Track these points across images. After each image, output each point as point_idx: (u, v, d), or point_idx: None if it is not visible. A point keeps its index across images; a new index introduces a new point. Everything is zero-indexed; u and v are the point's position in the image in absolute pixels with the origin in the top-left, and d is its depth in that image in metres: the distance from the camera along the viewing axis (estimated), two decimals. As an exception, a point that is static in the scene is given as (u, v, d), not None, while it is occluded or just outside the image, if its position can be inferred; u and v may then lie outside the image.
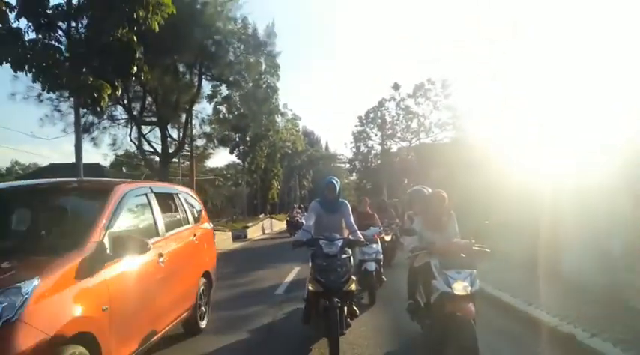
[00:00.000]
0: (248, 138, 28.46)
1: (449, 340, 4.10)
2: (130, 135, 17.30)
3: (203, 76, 16.23)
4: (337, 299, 4.19)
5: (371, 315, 5.93)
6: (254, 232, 22.84)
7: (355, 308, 4.90)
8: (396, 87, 29.31)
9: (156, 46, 12.83)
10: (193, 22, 12.96)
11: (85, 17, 10.50)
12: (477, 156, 14.18)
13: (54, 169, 41.02)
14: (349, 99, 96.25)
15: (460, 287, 4.02)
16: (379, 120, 29.82)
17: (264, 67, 20.61)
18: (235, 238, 19.34)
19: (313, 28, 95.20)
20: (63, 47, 10.96)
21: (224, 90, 19.59)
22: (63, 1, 10.76)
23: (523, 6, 18.13)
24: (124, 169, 49.91)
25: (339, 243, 4.51)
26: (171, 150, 16.95)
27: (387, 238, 9.23)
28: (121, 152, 23.91)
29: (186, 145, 19.08)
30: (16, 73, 11.34)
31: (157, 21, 10.62)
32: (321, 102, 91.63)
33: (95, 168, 41.25)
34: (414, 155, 27.95)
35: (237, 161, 32.63)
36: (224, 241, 16.15)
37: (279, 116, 36.54)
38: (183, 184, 15.47)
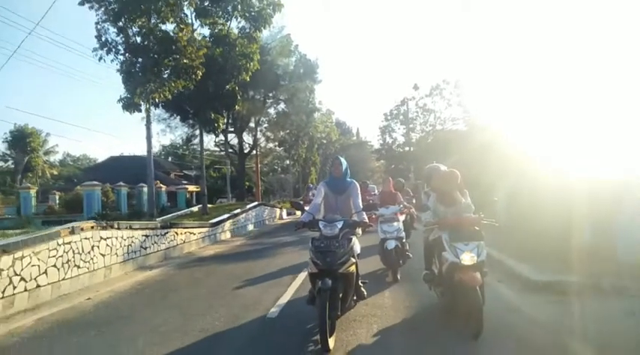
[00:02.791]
0: (286, 135, 34.96)
1: (458, 305, 4.49)
2: (214, 141, 24.01)
3: (268, 99, 22.66)
4: (330, 281, 4.09)
5: (394, 289, 6.36)
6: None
7: (363, 290, 4.86)
8: (416, 88, 34.82)
9: (244, 85, 19.16)
10: (267, 67, 19.26)
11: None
12: (485, 141, 16.12)
13: (115, 161, 48.23)
14: (377, 88, 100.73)
15: (467, 258, 4.32)
16: (401, 116, 35.51)
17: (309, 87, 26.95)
18: (288, 214, 26.04)
19: (345, 32, 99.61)
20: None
21: (280, 105, 26.11)
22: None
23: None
24: (170, 159, 57.11)
25: (339, 224, 4.43)
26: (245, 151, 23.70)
27: (402, 218, 9.07)
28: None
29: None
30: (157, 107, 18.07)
31: (249, 75, 17.13)
32: (353, 92, 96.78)
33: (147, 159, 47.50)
34: (433, 139, 33.29)
35: (284, 154, 39.21)
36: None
37: (316, 113, 42.76)
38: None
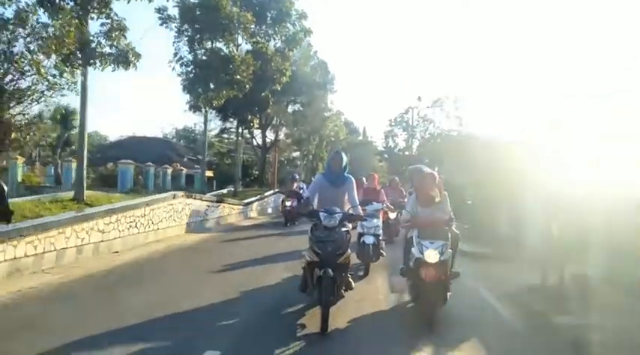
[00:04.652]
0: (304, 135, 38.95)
1: (419, 298, 5.05)
2: (241, 136, 27.83)
3: (290, 103, 26.69)
4: (330, 270, 4.36)
5: (365, 283, 6.79)
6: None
7: (350, 281, 5.12)
8: (419, 99, 38.76)
9: (273, 92, 23.13)
10: (293, 77, 23.19)
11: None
12: (476, 148, 16.62)
13: (133, 140, 51.49)
14: (385, 89, 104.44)
15: (431, 255, 4.69)
16: (404, 124, 39.44)
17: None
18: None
19: (357, 36, 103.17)
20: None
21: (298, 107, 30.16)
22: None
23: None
24: (182, 142, 60.49)
25: (339, 216, 4.64)
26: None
27: (392, 215, 9.38)
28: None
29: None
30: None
31: (281, 86, 21.06)
32: (361, 93, 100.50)
33: (164, 141, 50.76)
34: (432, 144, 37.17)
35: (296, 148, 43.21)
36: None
37: (328, 112, 46.71)
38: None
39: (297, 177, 16.50)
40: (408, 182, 8.65)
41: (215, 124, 29.51)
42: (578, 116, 10.43)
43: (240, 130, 22.33)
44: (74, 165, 33.91)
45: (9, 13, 7.60)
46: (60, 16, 7.74)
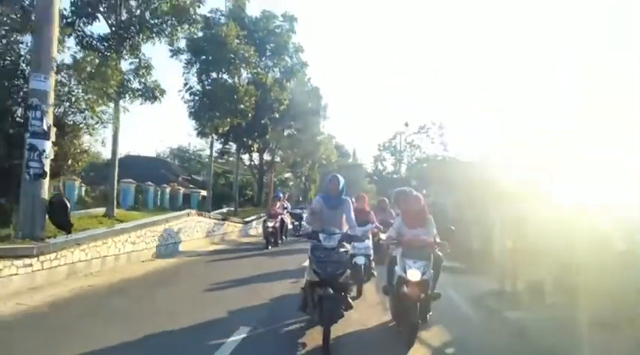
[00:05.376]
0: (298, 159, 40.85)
1: (400, 316, 5.15)
2: (238, 158, 29.61)
3: (285, 128, 28.65)
4: (331, 290, 4.50)
5: (358, 303, 6.59)
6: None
7: (349, 301, 5.17)
8: (406, 124, 40.95)
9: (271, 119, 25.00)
10: (291, 105, 25.07)
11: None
12: (456, 172, 18.63)
13: (130, 159, 52.68)
14: (374, 112, 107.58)
15: (412, 274, 4.79)
16: (392, 148, 41.53)
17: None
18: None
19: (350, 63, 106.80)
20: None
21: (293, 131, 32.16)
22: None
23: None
24: (176, 162, 61.92)
25: (337, 237, 4.77)
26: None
27: (383, 236, 8.95)
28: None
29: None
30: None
31: (279, 113, 22.84)
32: (351, 116, 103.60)
33: (160, 160, 51.98)
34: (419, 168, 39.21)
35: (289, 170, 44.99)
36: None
37: (320, 136, 48.81)
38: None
39: (282, 195, 16.14)
40: (393, 204, 8.85)
41: (216, 148, 31.30)
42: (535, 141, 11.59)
43: (239, 154, 24.11)
44: (77, 183, 35.28)
45: (67, 58, 9.28)
46: (107, 61, 9.37)
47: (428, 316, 5.55)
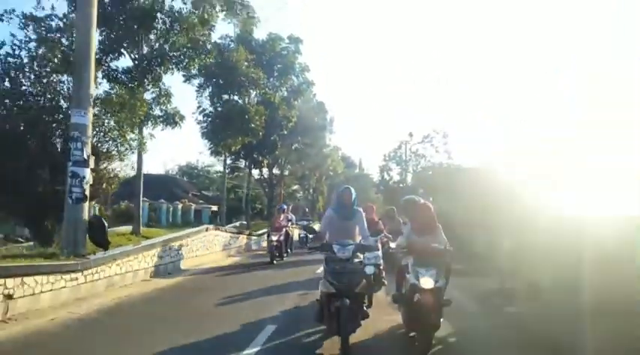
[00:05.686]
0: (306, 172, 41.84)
1: (413, 324, 5.13)
2: (249, 174, 30.65)
3: (293, 143, 29.65)
4: (348, 300, 4.52)
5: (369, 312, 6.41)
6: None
7: (366, 310, 5.20)
8: (411, 135, 41.74)
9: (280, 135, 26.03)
10: (299, 122, 26.08)
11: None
12: (462, 179, 18.92)
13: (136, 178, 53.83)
14: (379, 122, 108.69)
15: (425, 282, 4.79)
16: (397, 158, 42.30)
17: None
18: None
19: (352, 69, 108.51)
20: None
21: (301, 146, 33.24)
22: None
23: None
24: (185, 178, 63.21)
25: (351, 247, 4.85)
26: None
27: (393, 245, 10.16)
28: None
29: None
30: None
31: (287, 130, 23.83)
32: (357, 127, 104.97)
33: (169, 177, 53.24)
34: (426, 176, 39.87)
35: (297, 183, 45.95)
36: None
37: (326, 148, 49.88)
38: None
39: (285, 207, 15.85)
40: (402, 213, 8.80)
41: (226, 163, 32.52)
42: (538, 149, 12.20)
43: (250, 169, 25.18)
44: (92, 202, 36.56)
45: (98, 92, 10.32)
46: (135, 94, 10.40)
47: (440, 322, 5.55)
